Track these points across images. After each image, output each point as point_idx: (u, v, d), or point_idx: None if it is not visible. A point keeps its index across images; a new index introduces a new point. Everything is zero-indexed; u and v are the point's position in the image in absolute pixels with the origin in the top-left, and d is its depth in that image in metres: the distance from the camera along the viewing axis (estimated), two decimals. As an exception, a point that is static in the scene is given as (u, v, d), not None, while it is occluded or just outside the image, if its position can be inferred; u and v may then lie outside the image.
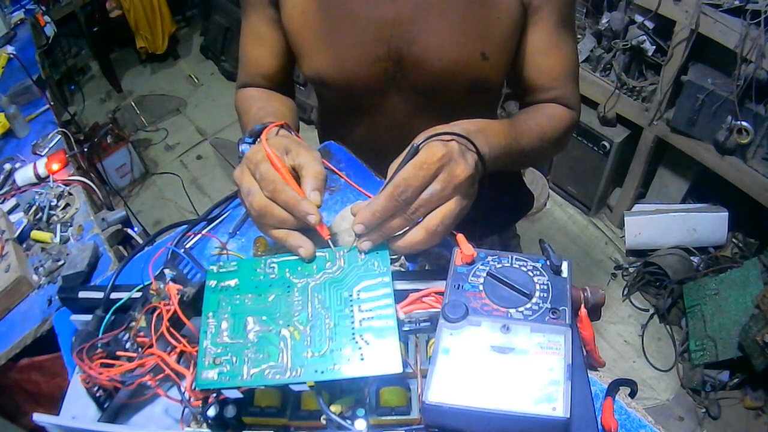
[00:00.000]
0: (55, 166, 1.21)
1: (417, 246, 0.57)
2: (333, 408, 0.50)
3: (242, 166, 0.61)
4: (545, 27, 0.78)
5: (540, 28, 0.78)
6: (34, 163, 1.22)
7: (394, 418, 0.51)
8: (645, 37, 1.76)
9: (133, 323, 0.57)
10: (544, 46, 0.79)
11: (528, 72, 0.81)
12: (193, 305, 0.57)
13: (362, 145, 0.90)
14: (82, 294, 0.63)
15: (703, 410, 1.70)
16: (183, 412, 0.54)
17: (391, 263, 0.57)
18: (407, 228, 0.57)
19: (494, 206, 1.04)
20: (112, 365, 0.55)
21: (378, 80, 0.80)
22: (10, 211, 1.15)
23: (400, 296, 0.56)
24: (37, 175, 1.20)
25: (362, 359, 0.49)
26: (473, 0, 0.74)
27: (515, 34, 0.78)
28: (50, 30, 2.16)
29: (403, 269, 0.69)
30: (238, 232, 0.78)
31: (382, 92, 0.82)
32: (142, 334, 0.56)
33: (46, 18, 2.19)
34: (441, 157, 0.54)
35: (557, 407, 0.44)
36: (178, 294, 0.56)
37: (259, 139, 0.65)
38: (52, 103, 1.55)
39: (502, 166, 0.67)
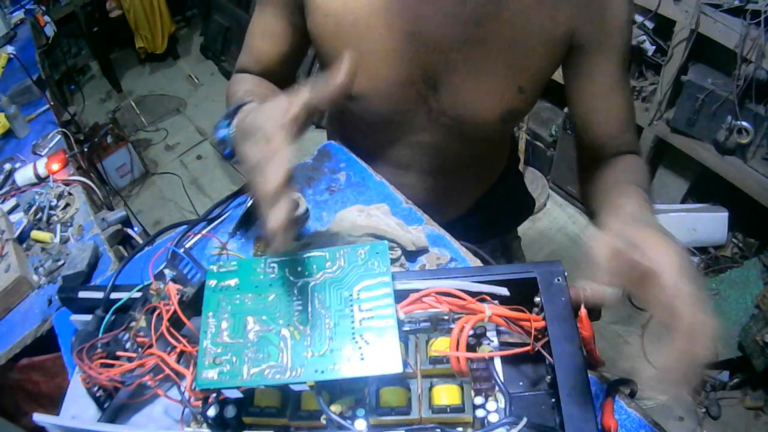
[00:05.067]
0: (55, 166, 1.21)
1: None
2: (333, 408, 0.50)
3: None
4: (608, 68, 0.74)
5: (603, 70, 0.74)
6: (34, 163, 1.22)
7: (394, 418, 0.51)
8: (645, 37, 1.76)
9: (133, 323, 0.57)
10: (608, 89, 0.75)
11: (597, 116, 0.77)
12: (193, 305, 0.57)
13: (380, 156, 0.88)
14: (82, 294, 0.63)
15: (703, 410, 1.70)
16: (183, 412, 0.54)
17: (391, 263, 0.57)
18: None
19: (496, 212, 1.04)
20: (112, 365, 0.55)
21: (409, 100, 0.77)
22: (10, 211, 1.15)
23: (400, 296, 0.56)
24: (37, 175, 1.20)
25: (362, 359, 0.49)
26: (517, 34, 0.70)
27: (550, 69, 0.75)
28: (50, 30, 2.16)
29: (403, 269, 0.69)
30: (238, 232, 0.78)
31: (411, 111, 0.79)
32: (142, 334, 0.56)
33: (46, 18, 2.19)
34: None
35: None
36: (177, 294, 0.56)
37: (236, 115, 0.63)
38: (52, 103, 1.55)
39: None
